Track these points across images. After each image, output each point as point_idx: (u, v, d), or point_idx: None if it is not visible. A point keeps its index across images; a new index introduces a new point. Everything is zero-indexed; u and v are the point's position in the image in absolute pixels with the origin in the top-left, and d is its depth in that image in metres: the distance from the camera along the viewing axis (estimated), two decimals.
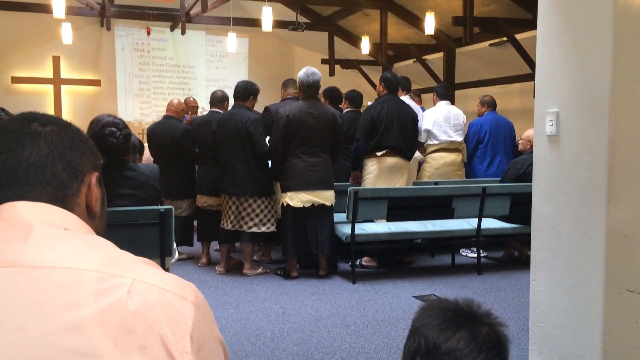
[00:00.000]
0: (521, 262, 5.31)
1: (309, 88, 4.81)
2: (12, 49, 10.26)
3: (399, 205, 4.83)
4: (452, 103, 6.57)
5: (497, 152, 6.13)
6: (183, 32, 10.58)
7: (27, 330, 0.66)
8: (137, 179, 3.06)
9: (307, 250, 4.84)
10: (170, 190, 5.15)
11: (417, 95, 6.75)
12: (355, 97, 5.79)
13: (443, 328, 1.08)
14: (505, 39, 7.82)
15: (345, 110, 5.78)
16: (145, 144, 5.71)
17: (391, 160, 5.17)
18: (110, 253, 0.78)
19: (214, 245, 5.57)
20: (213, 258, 5.47)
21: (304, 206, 4.70)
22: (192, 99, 6.98)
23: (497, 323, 1.11)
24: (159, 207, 3.18)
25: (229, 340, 3.47)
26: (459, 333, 1.07)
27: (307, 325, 3.78)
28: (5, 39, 10.02)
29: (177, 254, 3.40)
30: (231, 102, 5.33)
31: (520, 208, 4.94)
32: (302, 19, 9.50)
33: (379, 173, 5.16)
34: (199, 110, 7.40)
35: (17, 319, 0.67)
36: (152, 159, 5.56)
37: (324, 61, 10.51)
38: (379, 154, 5.13)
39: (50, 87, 10.56)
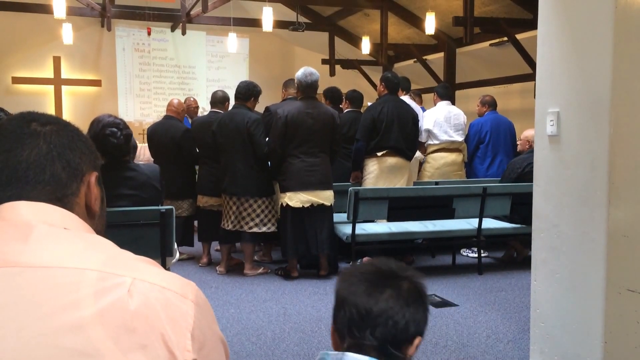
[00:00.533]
0: (519, 262, 5.31)
1: (307, 88, 4.80)
2: (13, 49, 10.27)
3: (400, 206, 4.82)
4: (453, 103, 6.57)
5: (497, 152, 6.13)
6: (183, 33, 10.59)
7: (28, 330, 0.66)
8: (137, 179, 3.06)
9: (306, 251, 4.84)
10: (171, 190, 5.15)
11: (418, 95, 6.75)
12: (355, 97, 5.78)
13: (370, 292, 1.14)
14: (505, 39, 7.81)
15: (346, 111, 5.78)
16: (146, 144, 5.72)
17: (392, 161, 5.16)
18: (111, 252, 0.78)
19: (215, 245, 5.57)
20: (214, 258, 5.47)
21: (303, 206, 4.70)
22: (192, 99, 6.96)
23: (414, 275, 1.18)
24: (160, 207, 3.18)
25: (230, 340, 3.46)
26: (385, 293, 1.13)
27: (308, 325, 3.77)
28: (5, 40, 10.03)
29: (177, 254, 3.40)
30: (232, 102, 5.32)
31: (520, 208, 4.94)
32: (302, 19, 9.50)
33: (380, 173, 5.16)
34: (200, 110, 7.39)
35: (18, 319, 0.67)
36: (152, 159, 5.56)
37: (324, 61, 10.51)
38: (379, 154, 5.13)
39: (50, 88, 10.56)
